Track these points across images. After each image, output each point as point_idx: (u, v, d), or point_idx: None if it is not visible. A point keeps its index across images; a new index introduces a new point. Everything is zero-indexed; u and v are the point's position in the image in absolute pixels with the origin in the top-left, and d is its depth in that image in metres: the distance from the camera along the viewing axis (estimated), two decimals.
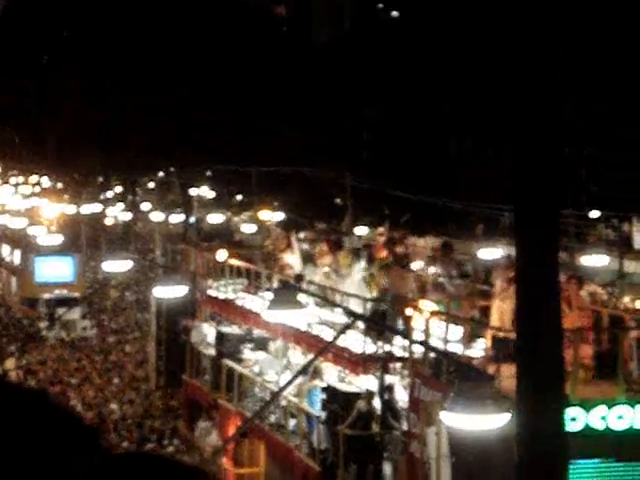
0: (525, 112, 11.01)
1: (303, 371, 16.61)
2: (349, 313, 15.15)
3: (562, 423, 11.14)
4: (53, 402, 1.40)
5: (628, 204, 28.99)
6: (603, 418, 13.15)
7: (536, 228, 10.91)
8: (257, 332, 22.84)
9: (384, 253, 20.62)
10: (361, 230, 35.99)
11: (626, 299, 30.60)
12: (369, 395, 17.41)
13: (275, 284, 20.86)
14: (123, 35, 43.36)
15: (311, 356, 17.75)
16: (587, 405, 13.19)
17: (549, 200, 11.01)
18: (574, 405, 13.05)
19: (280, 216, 44.21)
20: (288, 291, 14.12)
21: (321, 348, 16.84)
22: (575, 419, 13.03)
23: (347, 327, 14.97)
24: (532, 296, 10.99)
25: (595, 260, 28.65)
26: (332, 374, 19.85)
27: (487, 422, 9.54)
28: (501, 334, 14.72)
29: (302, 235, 27.22)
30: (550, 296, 10.97)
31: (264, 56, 37.19)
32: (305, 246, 22.91)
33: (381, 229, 23.23)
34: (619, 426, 13.18)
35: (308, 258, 21.90)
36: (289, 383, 15.65)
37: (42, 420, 1.33)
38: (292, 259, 22.15)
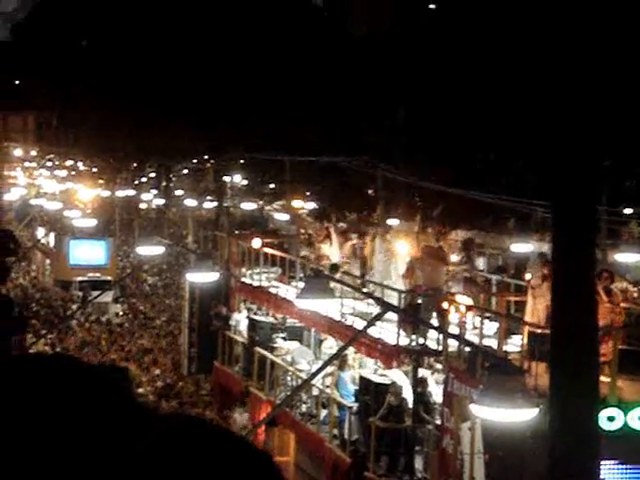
0: (563, 109, 10.97)
1: (334, 359, 16.60)
2: (380, 303, 15.13)
3: (595, 420, 11.11)
4: (121, 382, 1.39)
5: None
6: None
7: (574, 225, 10.87)
8: (290, 321, 22.89)
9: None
10: (393, 222, 35.93)
11: None
12: (399, 388, 17.40)
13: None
14: (150, 24, 43.43)
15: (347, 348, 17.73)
16: (625, 406, 13.14)
17: (587, 197, 10.97)
18: (612, 406, 13.02)
19: (311, 206, 44.19)
20: (320, 279, 14.12)
21: (352, 336, 16.82)
22: (613, 419, 13.00)
23: (378, 316, 14.92)
24: (568, 292, 10.95)
25: (627, 257, 28.53)
26: (366, 365, 19.88)
27: (516, 416, 9.55)
28: (538, 330, 14.67)
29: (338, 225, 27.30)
30: (586, 293, 10.92)
31: (301, 45, 37.12)
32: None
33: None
34: None
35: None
36: (319, 371, 15.67)
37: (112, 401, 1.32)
38: (330, 250, 22.24)
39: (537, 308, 15.87)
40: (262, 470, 1.26)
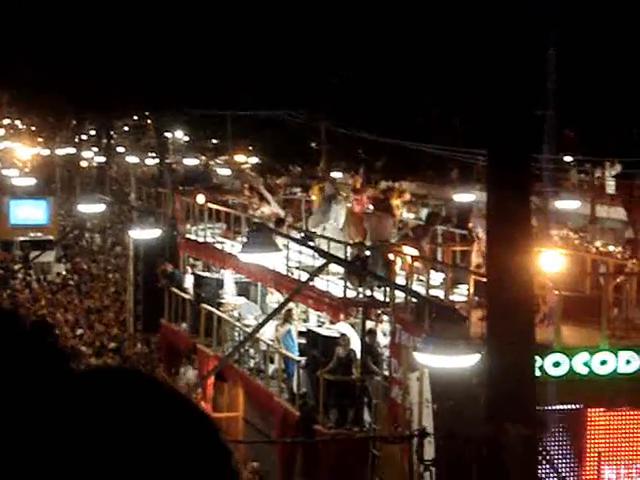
0: (497, 55, 10.99)
1: (277, 312, 16.58)
2: (323, 255, 15.12)
3: (531, 365, 11.26)
4: (24, 322, 1.33)
5: (601, 149, 29.05)
6: (586, 364, 13.29)
7: (508, 168, 10.93)
8: (236, 277, 22.84)
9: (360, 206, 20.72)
10: (336, 174, 35.99)
11: (597, 244, 30.83)
12: (348, 340, 17.45)
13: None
14: None
15: (291, 301, 17.74)
16: (570, 352, 13.31)
17: (520, 141, 11.03)
18: (557, 352, 13.19)
19: (255, 160, 44.02)
20: (262, 233, 14.04)
21: (295, 289, 16.79)
22: (559, 364, 13.17)
23: (321, 268, 14.91)
24: (502, 239, 11.02)
25: (567, 205, 28.83)
26: (311, 319, 19.93)
27: (457, 362, 9.63)
28: (484, 279, 14.75)
29: (278, 181, 27.27)
30: (520, 239, 10.98)
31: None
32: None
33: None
34: (603, 371, 13.32)
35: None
36: (263, 324, 15.68)
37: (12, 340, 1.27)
38: (270, 209, 22.23)
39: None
40: (198, 427, 1.18)
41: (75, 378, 1.19)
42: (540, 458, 12.05)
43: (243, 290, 22.79)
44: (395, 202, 20.59)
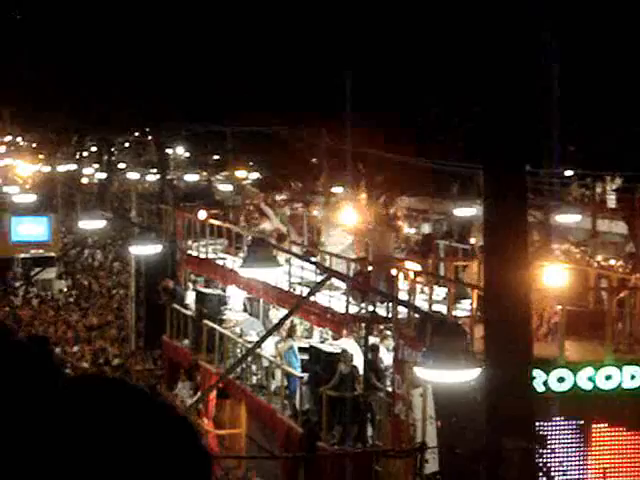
0: (496, 67, 10.99)
1: (277, 327, 16.50)
2: (323, 269, 15.06)
3: (530, 378, 11.23)
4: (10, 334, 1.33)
5: (602, 163, 29.10)
6: (591, 379, 13.24)
7: (504, 179, 10.92)
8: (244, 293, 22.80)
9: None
10: (337, 189, 35.96)
11: (599, 258, 30.76)
12: (350, 356, 17.39)
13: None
14: None
15: (296, 317, 17.69)
16: (574, 367, 13.26)
17: (515, 153, 11.04)
18: (562, 367, 13.14)
19: (255, 176, 44.05)
20: (262, 247, 13.98)
21: (295, 303, 16.72)
22: (563, 380, 13.12)
23: (322, 283, 14.85)
24: (498, 252, 11.00)
25: (568, 219, 28.76)
26: (314, 335, 19.87)
27: (457, 376, 9.58)
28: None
29: (278, 198, 27.29)
30: (519, 249, 10.96)
31: (238, 6, 36.71)
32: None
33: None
34: (607, 386, 13.27)
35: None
36: (263, 339, 15.59)
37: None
38: (272, 225, 22.23)
39: None
40: (177, 433, 1.17)
41: (53, 388, 1.20)
42: (539, 472, 12.00)
43: (247, 306, 22.78)
44: (397, 212, 20.62)
